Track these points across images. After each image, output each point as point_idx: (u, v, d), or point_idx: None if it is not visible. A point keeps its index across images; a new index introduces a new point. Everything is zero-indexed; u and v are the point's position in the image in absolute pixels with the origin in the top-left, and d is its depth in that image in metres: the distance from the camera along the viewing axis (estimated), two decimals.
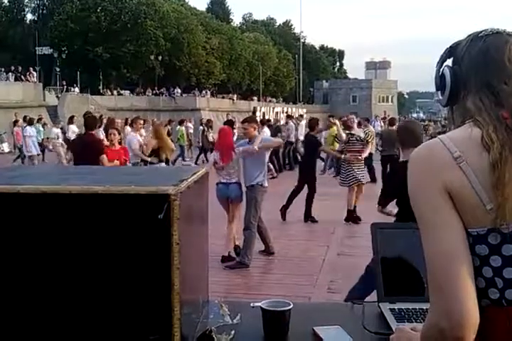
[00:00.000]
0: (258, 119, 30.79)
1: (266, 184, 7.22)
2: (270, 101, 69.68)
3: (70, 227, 1.51)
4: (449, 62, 1.47)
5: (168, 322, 1.51)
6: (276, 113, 56.70)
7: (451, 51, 1.47)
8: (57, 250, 1.52)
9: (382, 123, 23.77)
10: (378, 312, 1.99)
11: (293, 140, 19.24)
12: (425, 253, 1.29)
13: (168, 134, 19.83)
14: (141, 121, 14.42)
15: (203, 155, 19.96)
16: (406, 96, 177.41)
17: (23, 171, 2.01)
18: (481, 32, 1.43)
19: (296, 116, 26.08)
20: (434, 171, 1.30)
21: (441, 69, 1.47)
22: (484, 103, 1.35)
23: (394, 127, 13.49)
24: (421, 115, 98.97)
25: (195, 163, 19.25)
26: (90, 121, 8.51)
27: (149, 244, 1.50)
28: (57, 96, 40.48)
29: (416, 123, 5.55)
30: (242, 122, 7.62)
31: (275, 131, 22.92)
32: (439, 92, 1.49)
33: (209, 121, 21.66)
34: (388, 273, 2.04)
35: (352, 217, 10.05)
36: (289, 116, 23.54)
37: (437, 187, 1.29)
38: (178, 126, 20.68)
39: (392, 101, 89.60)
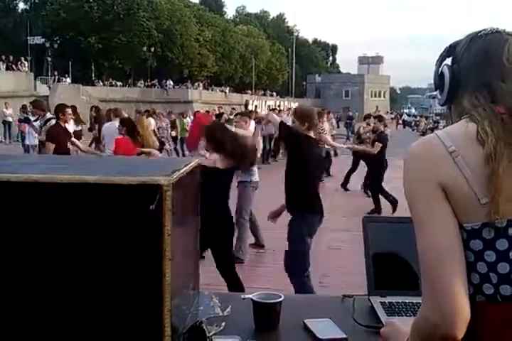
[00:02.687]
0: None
1: (254, 179, 7.26)
2: (263, 94, 69.55)
3: (61, 217, 1.50)
4: (448, 61, 1.47)
5: (159, 314, 1.50)
6: (269, 106, 56.64)
7: (450, 50, 1.47)
8: (47, 240, 1.51)
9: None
10: (369, 305, 2.00)
11: (273, 132, 19.32)
12: (418, 247, 1.29)
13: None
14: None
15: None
16: (398, 91, 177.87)
17: (13, 160, 1.99)
18: (480, 31, 1.44)
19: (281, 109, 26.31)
20: (429, 166, 1.30)
21: (440, 68, 1.48)
22: (480, 101, 1.36)
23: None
24: (413, 111, 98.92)
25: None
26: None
27: (141, 234, 1.49)
28: (48, 87, 40.20)
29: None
30: (235, 115, 7.75)
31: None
32: (438, 91, 1.49)
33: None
34: (379, 266, 2.04)
35: None
36: (272, 110, 23.73)
37: (432, 182, 1.29)
38: (182, 118, 20.82)
39: (384, 97, 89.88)
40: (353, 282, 5.69)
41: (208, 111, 22.18)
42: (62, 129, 8.09)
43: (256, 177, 7.31)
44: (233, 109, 26.13)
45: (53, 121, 8.56)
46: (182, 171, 1.65)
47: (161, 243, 1.47)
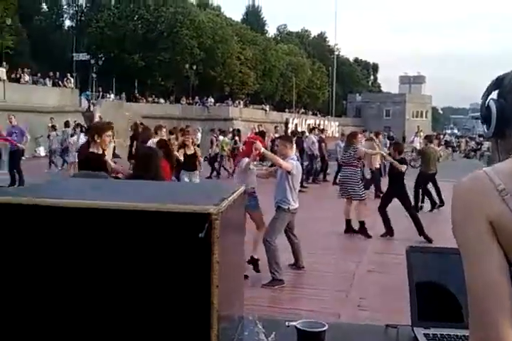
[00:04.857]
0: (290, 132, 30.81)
1: (290, 206, 7.13)
2: (304, 113, 69.64)
3: (114, 243, 1.55)
4: (494, 94, 1.45)
5: (207, 338, 1.53)
6: (309, 125, 56.68)
7: (497, 83, 1.46)
8: (101, 266, 1.55)
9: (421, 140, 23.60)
10: (412, 336, 1.99)
11: (314, 153, 19.20)
12: (466, 281, 1.30)
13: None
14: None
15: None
16: (440, 111, 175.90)
17: (64, 184, 2.05)
18: None
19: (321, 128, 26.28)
20: (478, 203, 1.31)
21: (486, 102, 1.46)
22: None
23: (432, 144, 13.77)
24: (455, 131, 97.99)
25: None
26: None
27: (190, 262, 1.52)
28: (92, 103, 40.99)
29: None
30: (277, 138, 7.73)
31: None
32: (485, 125, 1.48)
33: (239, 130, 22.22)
34: (423, 296, 2.03)
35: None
36: (313, 129, 23.64)
37: (481, 219, 1.29)
38: (222, 137, 20.88)
39: (426, 117, 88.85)
40: (391, 307, 5.65)
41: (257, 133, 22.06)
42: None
43: (292, 205, 7.18)
44: (276, 127, 26.19)
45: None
46: (230, 199, 1.69)
47: (209, 270, 1.51)
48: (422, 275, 2.09)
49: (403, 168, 10.07)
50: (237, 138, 21.20)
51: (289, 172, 6.98)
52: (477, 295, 1.27)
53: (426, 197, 13.69)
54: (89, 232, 1.55)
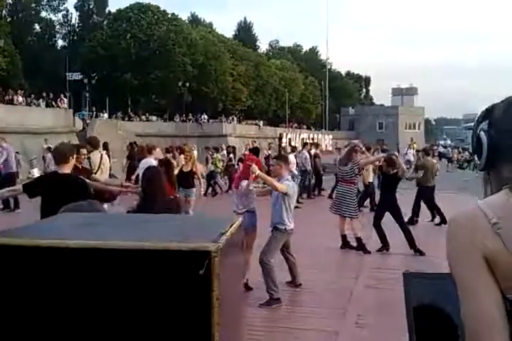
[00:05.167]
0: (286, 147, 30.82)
1: (286, 227, 7.14)
2: (297, 127, 69.85)
3: (114, 281, 1.57)
4: (484, 125, 1.45)
5: None
6: (303, 139, 56.86)
7: (487, 114, 1.47)
8: (101, 303, 1.57)
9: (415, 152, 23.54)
10: None
11: (307, 168, 19.14)
12: (462, 314, 1.33)
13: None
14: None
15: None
16: (433, 122, 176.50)
17: (60, 221, 2.06)
18: None
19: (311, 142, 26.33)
20: (473, 237, 1.34)
21: (477, 133, 1.47)
22: None
23: (429, 157, 13.84)
24: (448, 142, 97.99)
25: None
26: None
27: (190, 298, 1.54)
28: (85, 123, 41.01)
29: None
30: (273, 158, 7.71)
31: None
32: (476, 155, 1.49)
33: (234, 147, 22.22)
34: (420, 323, 2.04)
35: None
36: (305, 144, 23.63)
37: (475, 253, 1.32)
38: (216, 154, 20.91)
39: (419, 128, 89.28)
40: (390, 324, 5.63)
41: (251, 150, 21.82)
42: (77, 169, 8.26)
43: (288, 226, 7.19)
44: (270, 143, 26.24)
45: None
46: (228, 234, 1.71)
47: (209, 307, 1.53)
48: (420, 301, 2.09)
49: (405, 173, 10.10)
50: (231, 155, 21.21)
51: (285, 194, 7.01)
52: (473, 330, 1.30)
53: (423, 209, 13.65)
54: (91, 272, 1.57)
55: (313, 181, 19.80)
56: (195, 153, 21.91)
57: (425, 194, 13.35)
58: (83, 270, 1.57)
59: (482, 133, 1.45)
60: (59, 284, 1.58)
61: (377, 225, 10.14)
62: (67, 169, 5.46)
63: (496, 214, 1.33)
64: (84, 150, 8.61)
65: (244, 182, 7.46)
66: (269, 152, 23.25)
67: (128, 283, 1.56)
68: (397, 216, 10.08)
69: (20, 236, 1.64)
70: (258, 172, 7.06)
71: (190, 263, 1.53)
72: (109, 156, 15.14)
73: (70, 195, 5.07)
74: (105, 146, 18.91)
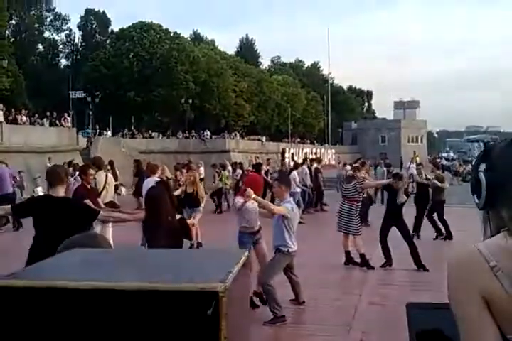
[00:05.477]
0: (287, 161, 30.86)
1: (290, 249, 7.13)
2: (300, 142, 69.94)
3: (122, 322, 1.60)
4: (483, 166, 1.49)
5: None
6: (305, 153, 56.89)
7: (485, 154, 1.50)
8: None
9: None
10: None
11: (307, 184, 19.18)
12: None
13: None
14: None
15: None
16: (435, 135, 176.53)
17: (62, 260, 2.10)
18: None
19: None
20: (472, 279, 1.38)
21: (476, 172, 1.50)
22: None
23: (439, 171, 14.02)
24: (451, 154, 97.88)
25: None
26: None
27: (198, 337, 1.58)
28: (89, 141, 41.12)
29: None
30: (274, 180, 7.73)
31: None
32: (475, 196, 1.52)
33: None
34: None
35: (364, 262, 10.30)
36: (305, 160, 23.71)
37: (475, 295, 1.37)
38: (223, 171, 20.91)
39: (421, 141, 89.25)
40: (394, 340, 5.63)
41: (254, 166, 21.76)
42: (87, 190, 8.43)
43: (290, 248, 7.17)
44: (268, 159, 26.17)
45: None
46: (235, 271, 1.76)
47: None
48: (423, 330, 2.12)
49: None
50: (239, 170, 21.17)
51: (283, 216, 7.03)
52: None
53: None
54: (99, 312, 1.61)
55: (311, 196, 19.77)
56: (202, 169, 21.98)
57: (440, 208, 13.32)
58: (91, 311, 1.62)
59: (481, 174, 1.48)
60: (66, 325, 1.62)
61: (382, 240, 10.16)
62: (61, 191, 5.33)
63: (495, 257, 1.37)
64: (92, 171, 8.73)
65: (238, 199, 7.53)
66: (268, 167, 23.29)
67: (138, 323, 1.60)
68: (404, 231, 10.11)
69: (23, 278, 1.69)
70: (254, 196, 7.08)
71: (199, 304, 1.57)
72: (116, 174, 15.26)
73: (67, 219, 5.07)
74: (111, 164, 19.10)
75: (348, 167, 19.81)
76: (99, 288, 1.61)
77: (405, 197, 10.22)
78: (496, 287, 1.35)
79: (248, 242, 7.43)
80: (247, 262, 2.02)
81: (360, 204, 10.66)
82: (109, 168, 16.99)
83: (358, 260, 10.27)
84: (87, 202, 7.87)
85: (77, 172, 15.08)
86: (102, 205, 8.21)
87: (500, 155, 1.47)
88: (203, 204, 12.40)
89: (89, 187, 8.50)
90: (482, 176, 1.48)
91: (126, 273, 1.78)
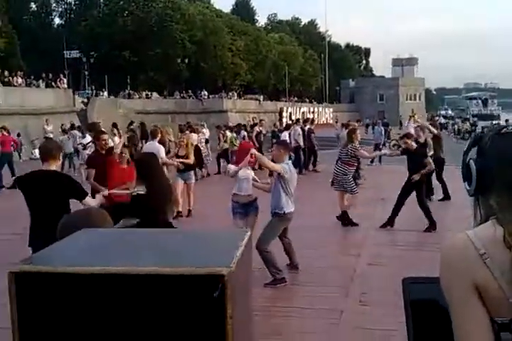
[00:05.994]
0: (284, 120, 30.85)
1: (286, 210, 7.16)
2: (298, 101, 69.57)
3: (134, 306, 1.69)
4: (473, 152, 1.54)
5: None
6: (303, 113, 56.69)
7: (475, 141, 1.56)
8: (120, 329, 1.70)
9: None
10: None
11: (300, 144, 19.25)
12: (454, 336, 1.47)
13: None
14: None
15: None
16: (434, 92, 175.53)
17: (79, 244, 2.17)
18: (502, 128, 1.54)
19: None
20: (463, 267, 1.47)
21: (467, 159, 1.56)
22: (505, 202, 1.47)
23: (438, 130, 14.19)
24: (449, 112, 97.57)
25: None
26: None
27: (204, 319, 1.68)
28: (84, 103, 40.84)
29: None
30: (274, 143, 7.84)
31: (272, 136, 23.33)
32: (466, 183, 1.57)
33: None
34: (420, 329, 2.14)
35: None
36: (296, 121, 23.73)
37: (466, 282, 1.46)
38: (228, 133, 20.62)
39: (419, 99, 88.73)
40: (393, 301, 5.72)
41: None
42: (101, 157, 8.29)
43: (287, 209, 7.20)
44: (261, 120, 25.83)
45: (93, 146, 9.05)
46: (239, 254, 1.84)
47: (224, 327, 1.66)
48: (419, 305, 2.19)
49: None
50: (244, 132, 21.05)
51: (279, 175, 7.09)
52: None
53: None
54: (114, 297, 1.70)
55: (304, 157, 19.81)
56: (206, 131, 21.85)
57: (441, 166, 13.05)
58: (101, 296, 1.70)
59: (471, 161, 1.53)
60: (82, 311, 1.71)
61: (399, 201, 10.19)
62: (53, 166, 5.36)
63: (484, 245, 1.44)
64: (105, 136, 8.67)
65: (231, 167, 7.70)
66: (261, 128, 23.24)
67: (148, 307, 1.69)
68: (419, 193, 10.12)
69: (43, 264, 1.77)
70: (255, 152, 7.33)
71: (206, 287, 1.65)
72: (120, 134, 15.17)
73: (57, 193, 5.13)
74: (114, 126, 19.13)
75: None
76: (109, 272, 1.69)
77: (433, 164, 10.30)
78: (486, 273, 1.43)
79: (238, 212, 7.64)
80: (249, 242, 2.09)
81: (353, 168, 10.79)
82: (115, 131, 16.99)
83: (355, 220, 10.42)
84: (92, 173, 7.99)
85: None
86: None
87: (490, 143, 1.51)
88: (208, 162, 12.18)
89: (103, 152, 8.40)
90: (472, 163, 1.53)
91: (134, 257, 1.86)
